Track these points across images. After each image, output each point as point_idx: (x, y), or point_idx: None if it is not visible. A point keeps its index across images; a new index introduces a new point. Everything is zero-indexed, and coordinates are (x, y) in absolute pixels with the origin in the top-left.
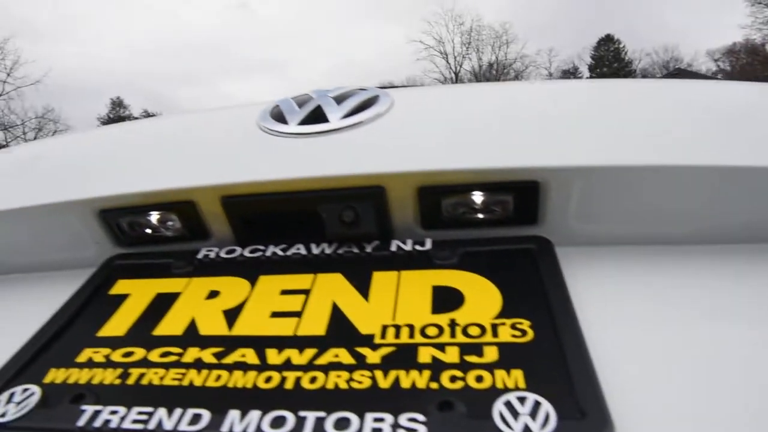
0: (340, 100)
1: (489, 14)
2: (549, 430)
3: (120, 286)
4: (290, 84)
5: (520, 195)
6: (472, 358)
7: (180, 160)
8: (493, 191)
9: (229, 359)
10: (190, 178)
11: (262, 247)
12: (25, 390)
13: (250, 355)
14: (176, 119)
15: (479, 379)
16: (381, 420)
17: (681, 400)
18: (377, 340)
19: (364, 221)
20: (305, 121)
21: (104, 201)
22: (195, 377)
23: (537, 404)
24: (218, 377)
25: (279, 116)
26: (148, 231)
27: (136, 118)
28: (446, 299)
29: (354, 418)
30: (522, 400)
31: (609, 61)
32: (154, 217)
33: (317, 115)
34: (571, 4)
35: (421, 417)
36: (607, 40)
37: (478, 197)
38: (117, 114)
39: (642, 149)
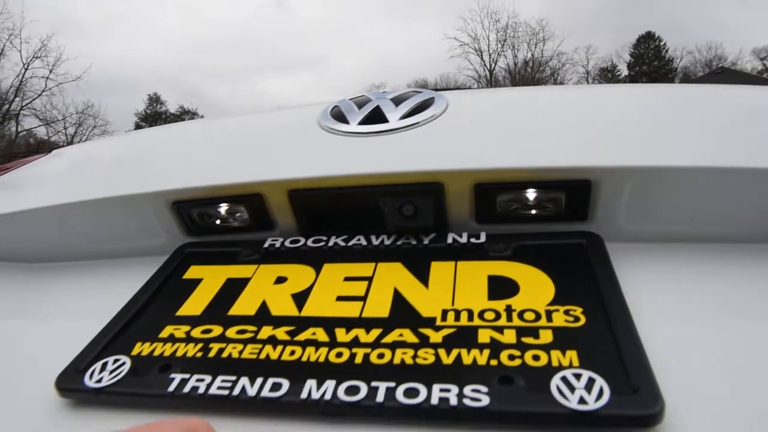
0: (397, 101)
1: (525, 11)
2: (603, 402)
3: (193, 272)
4: (326, 81)
5: (573, 193)
6: (528, 340)
7: (248, 156)
8: (547, 189)
9: (300, 337)
10: (259, 172)
11: (324, 238)
12: (117, 360)
13: (320, 334)
14: (240, 119)
15: (536, 357)
16: (447, 390)
17: (725, 381)
18: (438, 323)
19: (422, 215)
20: (365, 121)
21: (178, 193)
22: (271, 352)
23: (591, 380)
24: (292, 352)
25: (339, 116)
26: (217, 221)
27: (173, 114)
28: (502, 287)
29: (422, 388)
30: (577, 376)
31: (649, 59)
32: (223, 208)
33: (376, 116)
34: (610, 0)
35: (484, 389)
36: (648, 38)
37: (531, 194)
38: (154, 110)
39: (691, 151)
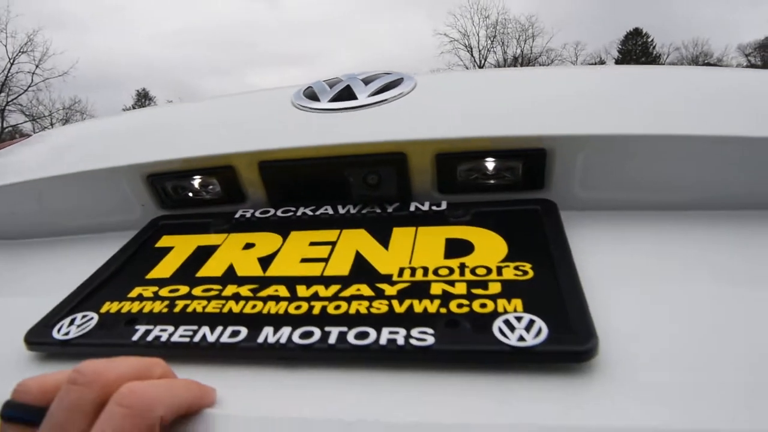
0: (367, 81)
1: (515, 7)
2: (540, 340)
3: (164, 241)
4: (315, 77)
5: (529, 161)
6: (477, 291)
7: (221, 131)
8: (504, 158)
9: (263, 293)
10: (230, 145)
11: (293, 209)
12: (85, 316)
13: (281, 290)
14: (216, 100)
15: (483, 305)
16: (395, 333)
17: (660, 327)
18: (395, 278)
19: (386, 184)
20: (335, 99)
21: (152, 166)
22: (234, 306)
23: (531, 321)
24: (254, 306)
25: (312, 95)
26: (190, 194)
27: None
28: (458, 248)
29: (372, 331)
30: (519, 318)
31: (636, 55)
32: (197, 181)
33: (347, 94)
34: None
35: (430, 331)
36: (636, 34)
37: (490, 163)
38: (142, 105)
39: (642, 120)
